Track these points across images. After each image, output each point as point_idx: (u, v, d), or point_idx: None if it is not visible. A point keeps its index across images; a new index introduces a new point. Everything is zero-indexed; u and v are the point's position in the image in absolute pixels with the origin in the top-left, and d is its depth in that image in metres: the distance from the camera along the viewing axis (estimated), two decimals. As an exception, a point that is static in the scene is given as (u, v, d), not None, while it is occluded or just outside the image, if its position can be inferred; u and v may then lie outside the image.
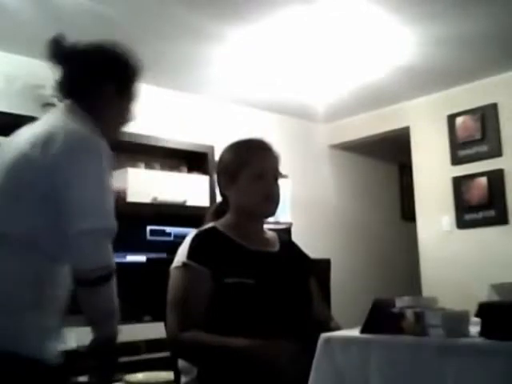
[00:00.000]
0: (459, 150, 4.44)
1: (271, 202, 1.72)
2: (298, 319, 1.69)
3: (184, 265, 1.63)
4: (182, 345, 1.60)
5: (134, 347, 3.27)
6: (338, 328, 1.81)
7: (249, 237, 1.73)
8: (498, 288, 1.52)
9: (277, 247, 1.79)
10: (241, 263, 1.66)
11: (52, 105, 3.43)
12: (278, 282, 1.69)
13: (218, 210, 1.83)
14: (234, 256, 1.66)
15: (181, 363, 1.71)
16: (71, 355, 3.00)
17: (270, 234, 1.83)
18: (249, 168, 1.70)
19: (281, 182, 1.81)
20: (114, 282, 1.46)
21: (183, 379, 1.68)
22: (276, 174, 1.75)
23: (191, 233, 1.73)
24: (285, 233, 2.10)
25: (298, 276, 1.79)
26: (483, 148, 4.30)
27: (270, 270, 1.69)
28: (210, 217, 1.84)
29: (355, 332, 1.49)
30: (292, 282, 1.74)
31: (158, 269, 1.71)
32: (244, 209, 1.73)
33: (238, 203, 1.74)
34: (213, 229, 1.73)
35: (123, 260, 3.45)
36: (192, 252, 1.64)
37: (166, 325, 1.67)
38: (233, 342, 1.55)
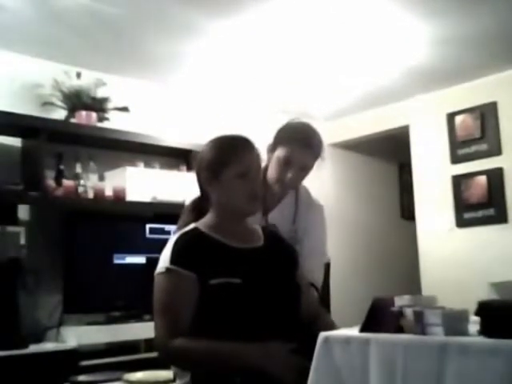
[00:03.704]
0: (459, 148, 4.44)
1: (254, 201, 1.70)
2: (287, 317, 1.68)
3: (168, 270, 1.60)
4: (171, 353, 1.57)
5: (133, 346, 3.27)
6: (330, 323, 1.81)
7: (232, 234, 1.71)
8: (497, 287, 1.51)
9: (261, 242, 1.77)
10: (225, 263, 1.63)
11: (51, 104, 3.44)
12: (265, 278, 1.67)
13: (197, 206, 1.81)
14: (218, 256, 1.64)
15: (174, 367, 1.71)
16: (71, 354, 3.02)
17: (254, 229, 1.81)
18: (232, 166, 1.68)
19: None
20: None
21: (177, 382, 1.68)
22: (259, 172, 1.74)
23: (173, 236, 1.70)
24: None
25: (285, 269, 1.77)
26: (483, 147, 4.30)
27: (255, 267, 1.67)
28: (190, 213, 1.82)
29: (354, 331, 1.49)
30: (279, 277, 1.72)
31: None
32: (227, 207, 1.72)
33: (220, 201, 1.72)
34: (195, 230, 1.70)
35: (123, 261, 3.45)
36: (175, 256, 1.61)
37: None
38: (223, 348, 1.54)
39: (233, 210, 1.72)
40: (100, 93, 3.56)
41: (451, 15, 3.27)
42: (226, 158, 1.70)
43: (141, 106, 3.92)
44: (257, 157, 1.75)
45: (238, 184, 1.68)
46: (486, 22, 3.36)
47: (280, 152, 2.04)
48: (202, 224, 1.73)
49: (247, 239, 1.75)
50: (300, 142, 2.03)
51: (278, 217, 2.10)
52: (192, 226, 1.73)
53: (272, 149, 2.08)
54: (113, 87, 3.68)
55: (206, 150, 1.77)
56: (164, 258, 1.64)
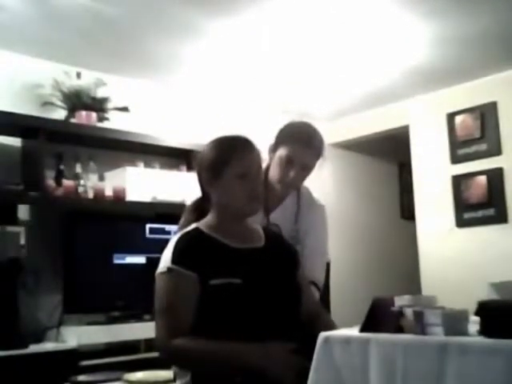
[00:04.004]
0: (459, 148, 4.44)
1: (254, 201, 1.71)
2: (287, 317, 1.68)
3: (169, 270, 1.61)
4: (172, 353, 1.58)
5: (133, 346, 3.27)
6: (329, 322, 1.82)
7: (233, 234, 1.71)
8: (497, 287, 1.51)
9: (262, 242, 1.77)
10: (226, 263, 1.64)
11: (51, 104, 3.44)
12: (266, 278, 1.67)
13: (198, 207, 1.82)
14: (219, 256, 1.65)
15: (174, 367, 1.71)
16: (71, 354, 3.02)
17: (255, 229, 1.81)
18: (232, 167, 1.68)
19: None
20: None
21: (178, 382, 1.68)
22: (259, 172, 1.74)
23: (175, 236, 1.71)
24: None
25: (286, 269, 1.77)
26: (482, 147, 4.30)
27: (256, 267, 1.67)
28: (191, 214, 1.83)
29: (354, 331, 1.49)
30: (279, 277, 1.72)
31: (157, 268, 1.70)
32: (227, 207, 1.72)
33: (220, 201, 1.73)
34: (196, 230, 1.71)
35: (123, 261, 3.45)
36: (176, 256, 1.62)
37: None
38: (223, 348, 1.54)
39: (233, 210, 1.72)
40: (100, 93, 3.56)
41: (451, 15, 3.27)
42: (226, 159, 1.70)
43: (141, 106, 3.92)
44: (257, 157, 1.74)
45: (239, 184, 1.68)
46: (486, 21, 3.36)
47: (282, 152, 2.05)
48: (202, 224, 1.73)
49: (248, 239, 1.75)
50: (301, 142, 2.04)
51: (280, 217, 2.11)
52: (193, 226, 1.73)
53: (274, 149, 2.09)
54: (113, 87, 3.68)
55: (206, 150, 1.78)
56: (165, 258, 1.64)
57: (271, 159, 2.10)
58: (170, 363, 1.70)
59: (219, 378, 1.56)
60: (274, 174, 2.08)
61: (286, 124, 2.15)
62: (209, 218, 1.75)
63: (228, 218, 1.73)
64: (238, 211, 1.72)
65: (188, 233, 1.70)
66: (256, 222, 1.84)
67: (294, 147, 2.03)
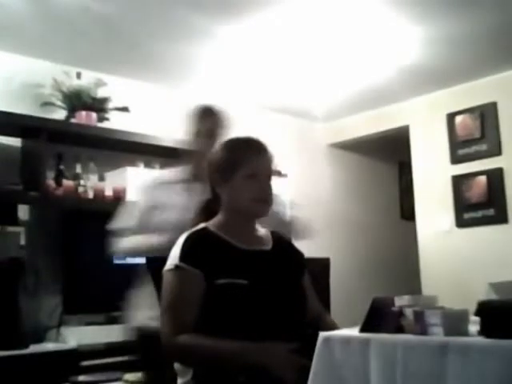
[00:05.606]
0: (459, 148, 4.44)
1: (264, 202, 1.71)
2: (292, 318, 1.69)
3: (176, 267, 1.62)
4: (176, 349, 1.59)
5: (134, 346, 3.27)
6: (332, 324, 1.82)
7: (241, 236, 1.72)
8: (497, 287, 1.52)
9: (270, 245, 1.78)
10: (233, 263, 1.65)
11: (51, 104, 3.44)
12: (271, 280, 1.68)
13: (207, 207, 1.83)
14: (225, 256, 1.66)
15: (176, 364, 1.71)
16: (71, 354, 3.01)
17: (263, 232, 1.82)
18: (242, 168, 1.69)
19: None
20: None
21: (179, 381, 1.68)
22: (270, 174, 1.74)
23: (183, 234, 1.72)
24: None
25: (292, 273, 1.78)
26: (482, 147, 4.30)
27: (262, 269, 1.69)
28: (199, 214, 1.84)
29: (355, 331, 1.50)
30: (285, 280, 1.73)
31: (157, 268, 1.70)
32: (236, 208, 1.73)
33: (229, 202, 1.73)
34: (204, 229, 1.72)
35: (123, 261, 3.45)
36: (184, 254, 1.63)
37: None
38: (226, 346, 1.55)
39: (241, 210, 1.72)
40: (100, 93, 3.56)
41: (450, 16, 3.27)
42: (235, 160, 1.71)
43: (141, 106, 3.92)
44: (267, 158, 1.75)
45: (247, 185, 1.69)
46: (486, 22, 3.36)
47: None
48: (211, 224, 1.74)
49: (255, 241, 1.76)
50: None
51: None
52: (201, 225, 1.75)
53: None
54: (113, 87, 3.68)
55: (217, 151, 1.78)
56: (173, 256, 1.66)
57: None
58: (174, 360, 1.71)
59: (222, 378, 1.57)
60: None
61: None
62: (218, 219, 1.76)
63: (236, 218, 1.74)
64: (246, 212, 1.73)
65: (196, 232, 1.71)
66: None
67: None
